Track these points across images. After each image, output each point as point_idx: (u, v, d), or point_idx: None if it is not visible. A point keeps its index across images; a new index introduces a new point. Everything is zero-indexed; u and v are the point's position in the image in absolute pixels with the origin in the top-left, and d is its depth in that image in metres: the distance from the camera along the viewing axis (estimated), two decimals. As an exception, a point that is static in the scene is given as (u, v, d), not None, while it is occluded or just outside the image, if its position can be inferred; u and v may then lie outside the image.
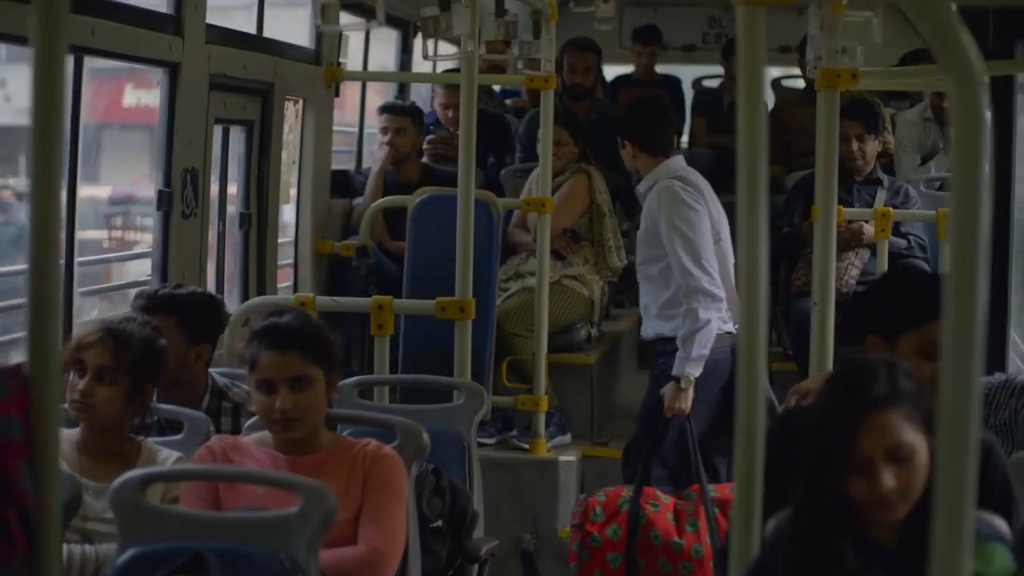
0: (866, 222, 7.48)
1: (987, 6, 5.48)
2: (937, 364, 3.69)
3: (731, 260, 6.44)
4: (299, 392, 4.10)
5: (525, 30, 6.64)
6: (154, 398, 4.47)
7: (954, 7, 2.14)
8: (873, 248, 7.50)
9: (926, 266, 7.65)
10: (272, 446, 4.23)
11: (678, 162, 6.59)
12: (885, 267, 7.16)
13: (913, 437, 3.07)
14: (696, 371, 6.28)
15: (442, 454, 5.12)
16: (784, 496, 3.13)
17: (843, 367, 3.33)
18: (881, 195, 7.79)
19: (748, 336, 2.71)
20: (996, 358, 5.61)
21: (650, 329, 6.52)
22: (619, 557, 6.18)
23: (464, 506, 5.04)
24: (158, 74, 6.01)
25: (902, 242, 7.64)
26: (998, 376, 4.66)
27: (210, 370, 5.03)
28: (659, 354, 6.51)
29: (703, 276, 6.28)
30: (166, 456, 4.34)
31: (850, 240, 7.47)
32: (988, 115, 1.94)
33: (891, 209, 7.35)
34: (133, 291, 5.25)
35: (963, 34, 2.13)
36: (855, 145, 7.61)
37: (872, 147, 7.70)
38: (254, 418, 4.37)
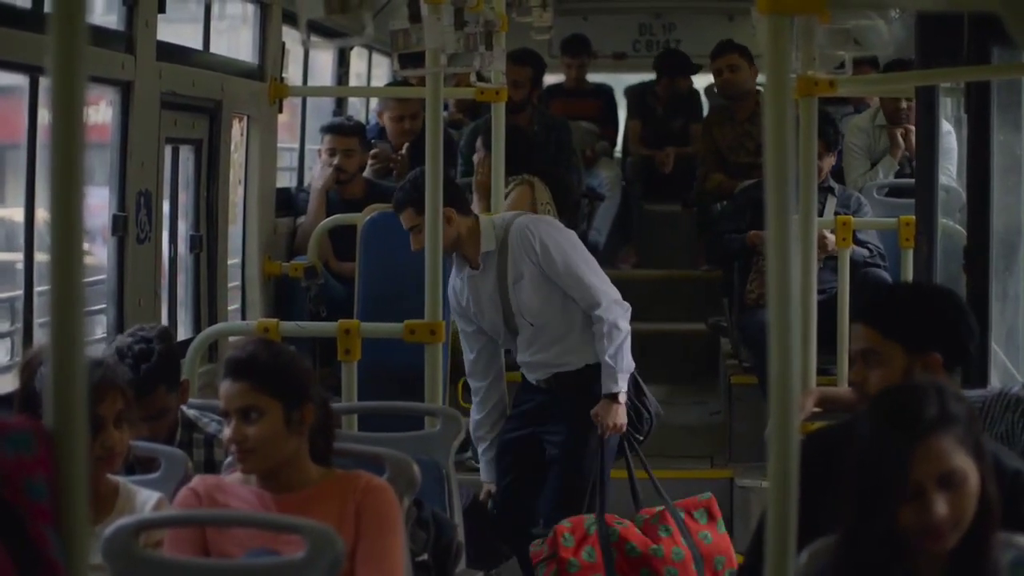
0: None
1: (962, 11, 5.39)
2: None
3: None
4: (250, 423, 3.93)
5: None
6: None
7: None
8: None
9: (887, 275, 7.60)
10: (256, 484, 4.04)
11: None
12: (847, 277, 7.06)
13: (964, 462, 2.97)
14: (626, 384, 6.21)
15: (421, 483, 4.95)
16: (815, 523, 2.99)
17: (889, 390, 3.21)
18: (831, 203, 7.73)
19: (779, 355, 2.56)
20: (978, 371, 5.51)
21: (578, 359, 6.31)
22: None
23: (450, 538, 4.87)
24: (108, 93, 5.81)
25: (864, 251, 7.58)
26: (991, 389, 4.58)
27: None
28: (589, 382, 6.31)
29: (609, 288, 6.27)
30: (146, 497, 4.13)
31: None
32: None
33: (851, 218, 7.27)
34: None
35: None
36: None
37: (828, 162, 7.65)
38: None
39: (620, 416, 6.22)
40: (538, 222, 6.37)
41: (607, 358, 6.17)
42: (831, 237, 7.22)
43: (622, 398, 6.21)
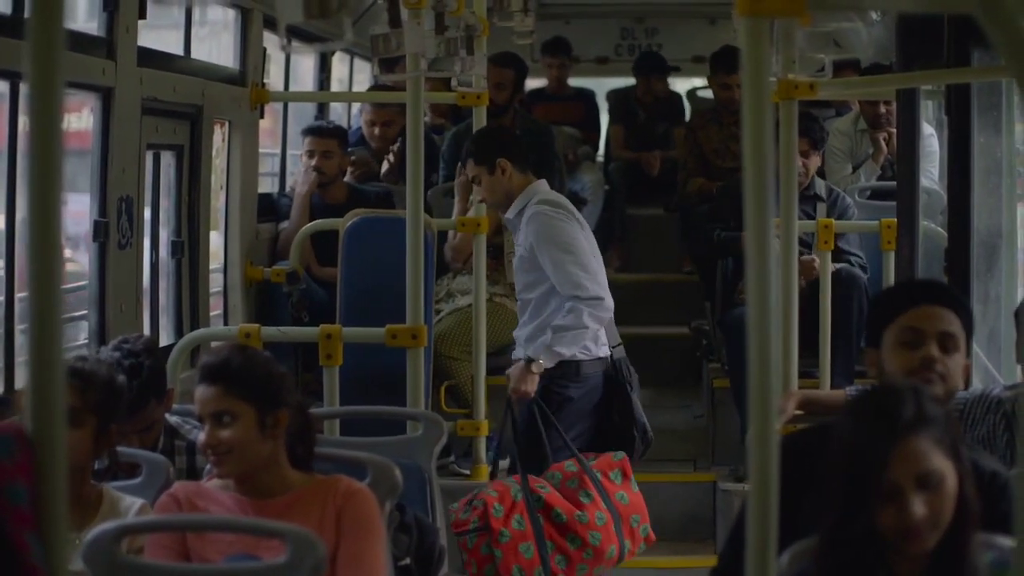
0: (808, 245, 7.34)
1: (941, 14, 5.40)
2: (918, 350, 3.63)
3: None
4: (223, 427, 3.94)
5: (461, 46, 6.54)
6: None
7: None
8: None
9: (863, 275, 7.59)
10: (235, 490, 4.04)
11: (544, 185, 6.65)
12: (828, 281, 7.06)
13: (942, 463, 2.98)
14: (550, 363, 6.31)
15: (403, 488, 4.94)
16: (793, 524, 2.99)
17: (868, 391, 3.21)
18: (821, 209, 7.70)
19: (759, 358, 2.57)
20: (961, 372, 5.50)
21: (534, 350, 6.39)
22: (531, 546, 6.12)
23: (432, 542, 4.87)
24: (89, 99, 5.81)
25: (845, 266, 7.54)
26: (972, 391, 4.56)
27: None
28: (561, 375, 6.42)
29: (592, 284, 6.33)
30: (130, 503, 4.14)
31: (800, 274, 7.24)
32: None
33: (833, 221, 7.26)
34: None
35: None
36: (799, 161, 7.49)
37: (814, 162, 7.63)
38: None
39: (526, 384, 6.32)
40: (546, 206, 6.47)
41: (550, 328, 6.30)
42: (817, 266, 7.18)
43: (535, 368, 6.29)
